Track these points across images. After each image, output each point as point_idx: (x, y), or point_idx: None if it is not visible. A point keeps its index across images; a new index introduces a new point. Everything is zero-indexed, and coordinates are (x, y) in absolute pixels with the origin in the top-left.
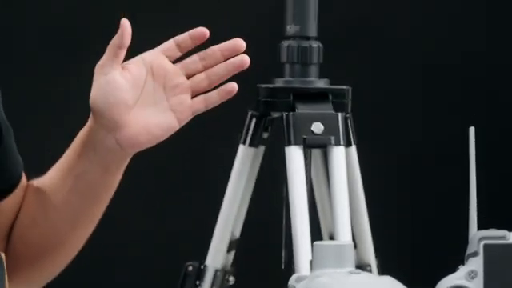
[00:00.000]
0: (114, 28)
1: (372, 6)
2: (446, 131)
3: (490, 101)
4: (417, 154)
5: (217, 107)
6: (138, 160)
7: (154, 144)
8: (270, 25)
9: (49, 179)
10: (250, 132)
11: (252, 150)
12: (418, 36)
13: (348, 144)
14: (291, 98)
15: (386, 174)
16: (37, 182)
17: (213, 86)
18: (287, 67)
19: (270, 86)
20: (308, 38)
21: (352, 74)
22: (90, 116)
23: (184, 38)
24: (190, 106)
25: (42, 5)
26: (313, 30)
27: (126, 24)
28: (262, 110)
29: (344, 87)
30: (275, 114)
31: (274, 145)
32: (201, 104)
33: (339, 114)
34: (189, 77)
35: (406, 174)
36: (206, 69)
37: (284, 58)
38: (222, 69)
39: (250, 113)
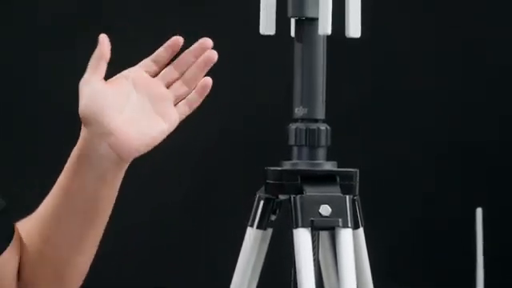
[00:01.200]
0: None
1: (379, 89)
2: (454, 210)
3: (495, 179)
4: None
5: (225, 190)
6: (144, 238)
7: (148, 149)
8: (279, 107)
9: (44, 208)
10: (258, 214)
11: (260, 232)
12: (425, 116)
13: (356, 226)
14: (299, 180)
15: (390, 252)
16: (33, 215)
17: (193, 88)
18: (295, 150)
19: (278, 168)
20: (316, 121)
21: (360, 155)
22: (82, 128)
23: (159, 52)
24: (175, 112)
25: None
26: (321, 112)
27: (102, 38)
28: (270, 192)
29: (352, 170)
30: (283, 197)
31: (281, 227)
32: (184, 107)
33: (347, 197)
34: (168, 86)
35: (407, 252)
36: (182, 74)
37: (292, 141)
38: (194, 69)
39: (258, 195)
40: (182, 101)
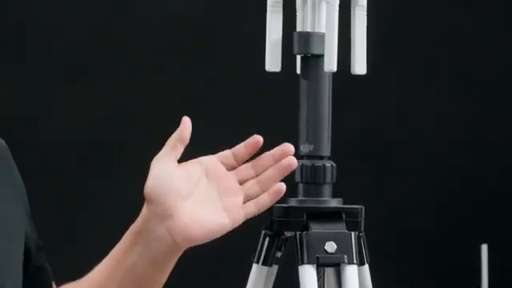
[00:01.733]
0: None
1: (384, 126)
2: (458, 246)
3: (498, 215)
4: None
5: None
6: None
7: (206, 240)
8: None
9: (97, 273)
10: (264, 251)
11: (265, 269)
12: (428, 153)
13: (361, 263)
14: (305, 217)
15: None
16: (86, 278)
17: (265, 190)
18: (301, 187)
19: (284, 205)
20: (321, 158)
21: (365, 192)
22: (144, 206)
23: (238, 148)
24: (242, 208)
25: None
26: (326, 149)
27: (186, 121)
28: (275, 229)
29: (357, 206)
30: (289, 233)
31: (287, 263)
32: (252, 207)
33: (352, 233)
34: (241, 182)
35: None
36: (257, 174)
37: (298, 178)
38: (272, 173)
39: (263, 232)
40: (252, 201)
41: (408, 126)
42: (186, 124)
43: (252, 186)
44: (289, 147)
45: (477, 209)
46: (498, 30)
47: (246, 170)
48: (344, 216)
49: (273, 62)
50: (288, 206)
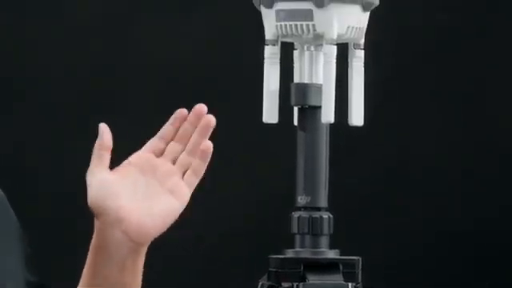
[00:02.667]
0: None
1: (382, 177)
2: None
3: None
4: None
5: (228, 278)
6: None
7: (163, 230)
8: (281, 196)
9: None
10: None
11: None
12: (425, 205)
13: None
14: (301, 268)
15: None
16: None
17: (198, 155)
18: (298, 238)
19: (281, 256)
20: (319, 209)
21: (363, 243)
22: (95, 221)
23: (166, 128)
24: (184, 183)
25: None
26: (323, 200)
27: (102, 127)
28: (272, 280)
29: (354, 258)
30: (286, 285)
31: None
32: (191, 176)
33: (349, 284)
34: (174, 161)
35: None
36: (185, 146)
37: (295, 229)
38: (195, 138)
39: (260, 283)
40: (188, 172)
41: (406, 178)
42: (103, 130)
43: (184, 158)
44: (200, 106)
45: (476, 262)
46: (496, 76)
47: (174, 147)
48: (341, 267)
49: (270, 113)
50: (285, 258)
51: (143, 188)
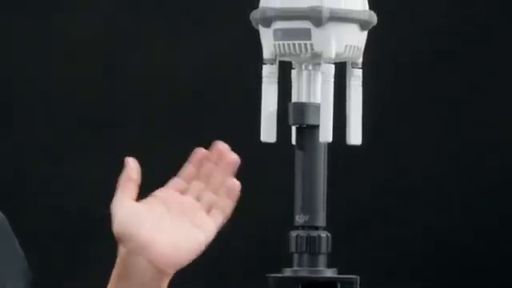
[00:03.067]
0: None
1: (381, 196)
2: None
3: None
4: None
5: None
6: None
7: (188, 261)
8: (279, 215)
9: None
10: None
11: None
12: (424, 225)
13: None
14: (299, 287)
15: None
16: None
17: (225, 194)
18: (295, 257)
19: (279, 275)
20: (317, 228)
21: (361, 261)
22: (119, 249)
23: (186, 169)
24: (210, 219)
25: None
26: (321, 219)
27: (129, 161)
28: None
29: (352, 277)
30: None
31: None
32: (218, 214)
33: None
34: (198, 199)
35: None
36: (208, 184)
37: (293, 248)
38: (219, 175)
39: None
40: (214, 209)
41: (405, 196)
42: (129, 164)
43: (208, 196)
44: (221, 144)
45: (476, 272)
46: (494, 90)
47: (197, 185)
48: (339, 286)
49: (268, 132)
50: (283, 276)
51: (169, 220)
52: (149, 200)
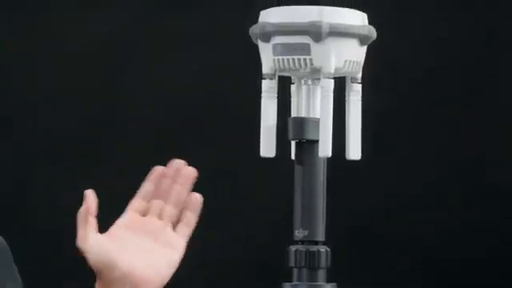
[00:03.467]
0: None
1: (380, 211)
2: None
3: None
4: None
5: None
6: None
7: (166, 280)
8: (279, 229)
9: None
10: None
11: None
12: (424, 239)
13: None
14: None
15: None
16: None
17: (184, 207)
18: (295, 271)
19: None
20: (316, 243)
21: (360, 276)
22: (97, 280)
23: (145, 188)
24: (177, 235)
25: None
26: (321, 234)
27: (88, 194)
28: None
29: None
30: None
31: None
32: (184, 228)
33: None
34: (160, 216)
35: None
36: (169, 200)
37: (292, 263)
38: (178, 190)
39: None
40: (180, 224)
41: (404, 211)
42: (89, 197)
43: (170, 211)
44: (177, 161)
45: None
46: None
47: (157, 203)
48: None
49: (267, 147)
50: None
51: (139, 245)
52: (113, 230)
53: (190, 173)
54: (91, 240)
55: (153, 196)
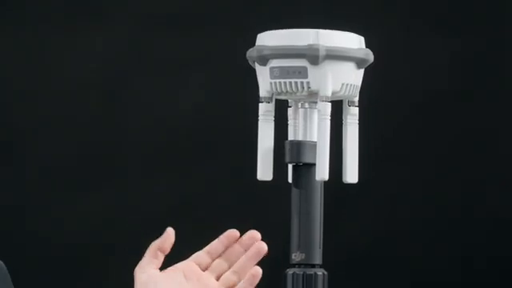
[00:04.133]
0: None
1: (378, 235)
2: None
3: None
4: None
5: None
6: None
7: None
8: (276, 253)
9: None
10: None
11: None
12: (424, 262)
13: None
14: None
15: None
16: None
17: (242, 278)
18: None
19: None
20: (313, 266)
21: None
22: None
23: (214, 245)
24: None
25: None
26: (318, 257)
27: (169, 232)
28: None
29: None
30: None
31: None
32: None
33: None
34: (218, 278)
35: None
36: (231, 265)
37: (289, 286)
38: (244, 261)
39: None
40: None
41: (403, 234)
42: (169, 235)
43: (229, 277)
44: (255, 233)
45: None
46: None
47: (220, 264)
48: None
49: (264, 170)
50: None
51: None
52: (170, 269)
53: (262, 249)
54: (148, 270)
55: (219, 255)
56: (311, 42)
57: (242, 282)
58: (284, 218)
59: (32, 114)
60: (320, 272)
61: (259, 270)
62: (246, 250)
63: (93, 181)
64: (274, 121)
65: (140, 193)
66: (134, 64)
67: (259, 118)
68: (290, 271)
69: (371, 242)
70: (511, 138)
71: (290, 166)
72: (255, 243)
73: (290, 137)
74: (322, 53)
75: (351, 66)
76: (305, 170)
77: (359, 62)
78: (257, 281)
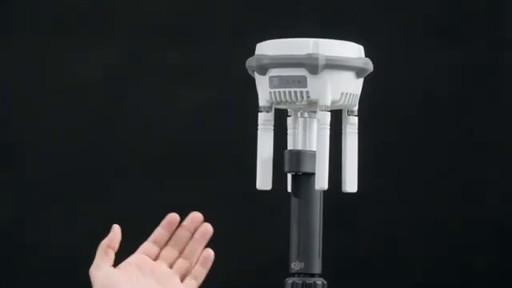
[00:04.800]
0: None
1: (377, 244)
2: None
3: None
4: None
5: None
6: None
7: None
8: (275, 262)
9: None
10: None
11: None
12: (424, 270)
13: None
14: None
15: None
16: None
17: (195, 261)
18: None
19: None
20: (312, 275)
21: None
22: None
23: (157, 233)
24: (184, 287)
25: None
26: (317, 267)
27: (115, 228)
28: None
29: None
30: None
31: None
32: (192, 281)
33: None
34: (171, 265)
35: None
36: (181, 250)
37: None
38: (193, 245)
39: None
40: (188, 276)
41: (402, 242)
42: (116, 232)
43: (181, 264)
44: (196, 214)
45: None
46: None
47: (170, 252)
48: None
49: (263, 180)
50: None
51: (145, 285)
52: (124, 266)
53: (207, 230)
54: (103, 268)
55: (166, 243)
56: (310, 52)
57: (197, 265)
58: (283, 227)
59: (32, 114)
60: (319, 281)
61: (211, 252)
62: (192, 234)
63: (92, 194)
64: (274, 130)
65: (139, 204)
66: (132, 77)
67: (258, 127)
68: (290, 280)
69: (371, 252)
70: (511, 138)
71: (289, 176)
72: (200, 226)
73: (290, 146)
74: (321, 62)
75: (350, 75)
76: (304, 179)
77: (358, 72)
78: (210, 263)
